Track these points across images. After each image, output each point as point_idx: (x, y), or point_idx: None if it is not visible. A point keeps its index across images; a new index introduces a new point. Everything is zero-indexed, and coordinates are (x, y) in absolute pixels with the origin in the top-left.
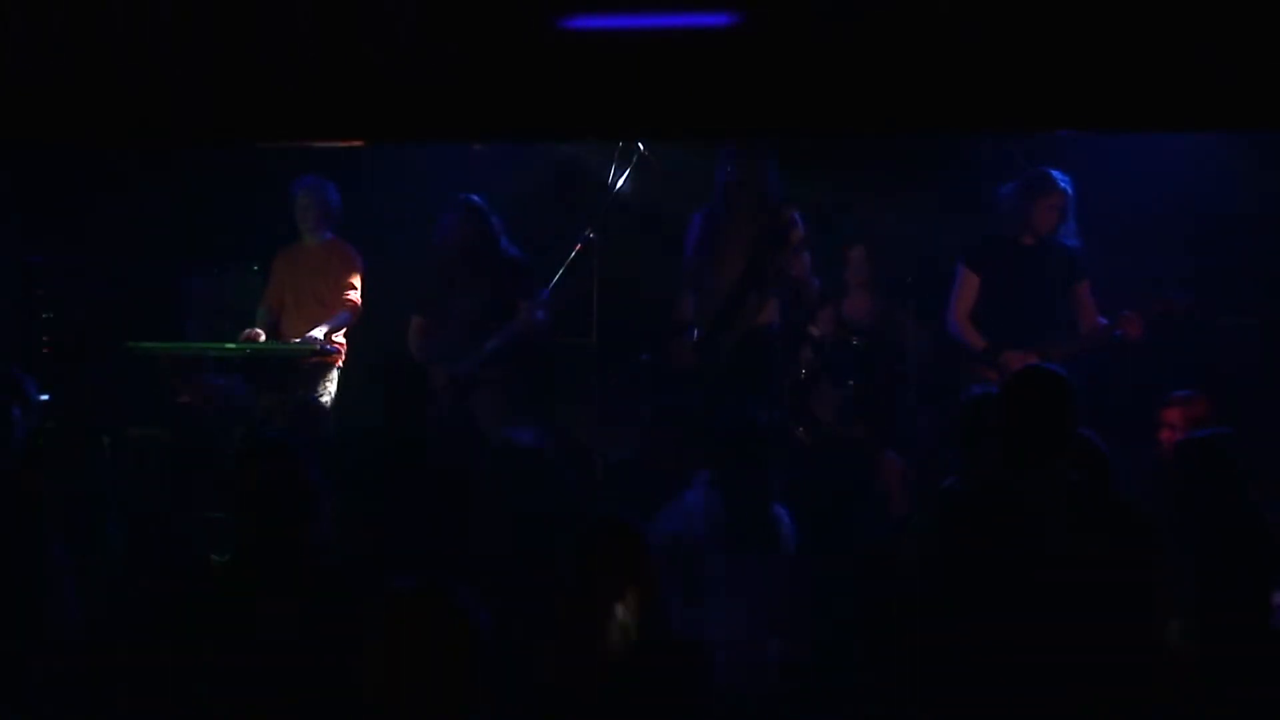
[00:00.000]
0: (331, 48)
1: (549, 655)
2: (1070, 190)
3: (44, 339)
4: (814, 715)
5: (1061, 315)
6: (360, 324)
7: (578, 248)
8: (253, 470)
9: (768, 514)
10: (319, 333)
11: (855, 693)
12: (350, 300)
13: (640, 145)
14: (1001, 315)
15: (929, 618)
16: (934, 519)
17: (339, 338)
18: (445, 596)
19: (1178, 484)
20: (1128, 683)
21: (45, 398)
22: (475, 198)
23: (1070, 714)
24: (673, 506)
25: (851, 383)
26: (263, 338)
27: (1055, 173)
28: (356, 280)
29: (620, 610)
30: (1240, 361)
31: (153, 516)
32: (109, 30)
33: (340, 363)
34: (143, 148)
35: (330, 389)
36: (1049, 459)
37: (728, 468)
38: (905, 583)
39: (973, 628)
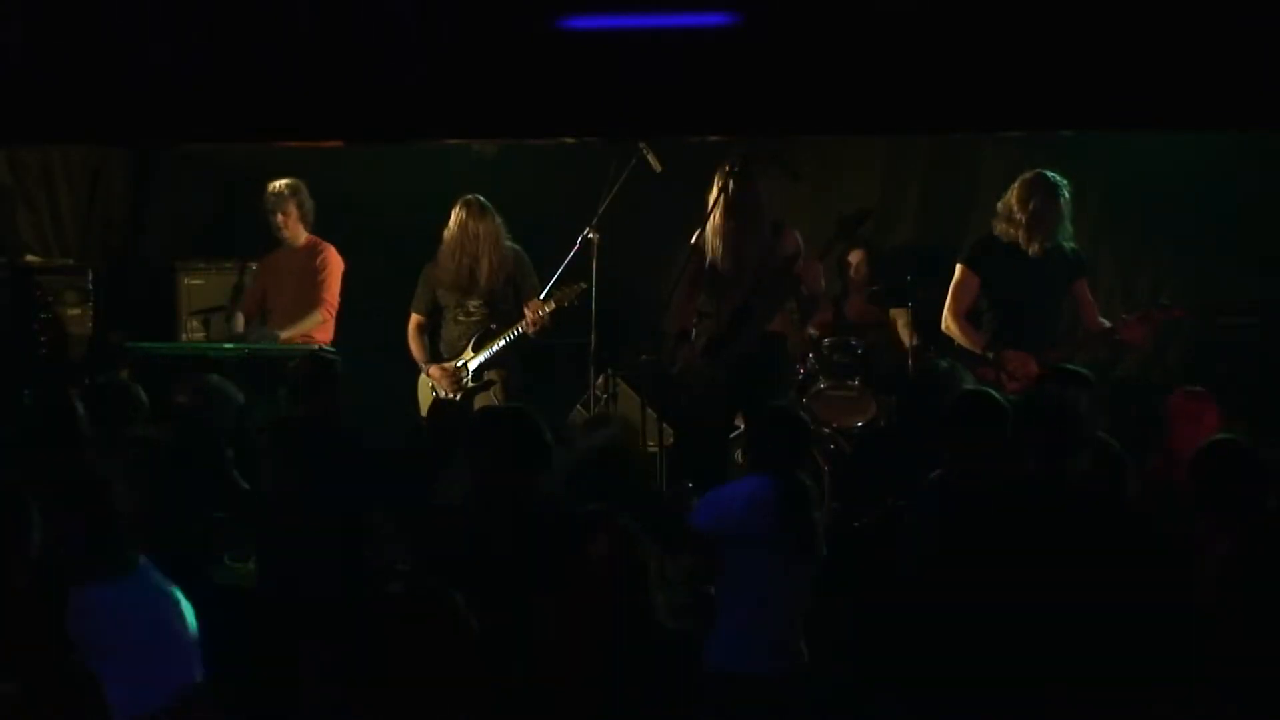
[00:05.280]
0: (331, 48)
1: (540, 649)
2: (1068, 193)
3: (43, 339)
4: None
5: (1061, 317)
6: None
7: (577, 247)
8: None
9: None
10: (293, 333)
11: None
12: (323, 298)
13: (640, 145)
14: (1001, 316)
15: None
16: (934, 507)
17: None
18: (444, 597)
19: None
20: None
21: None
22: (479, 197)
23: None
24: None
25: (853, 383)
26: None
27: (1052, 175)
28: (335, 282)
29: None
30: (1240, 361)
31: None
32: (108, 30)
33: None
34: (143, 148)
35: None
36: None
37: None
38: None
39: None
